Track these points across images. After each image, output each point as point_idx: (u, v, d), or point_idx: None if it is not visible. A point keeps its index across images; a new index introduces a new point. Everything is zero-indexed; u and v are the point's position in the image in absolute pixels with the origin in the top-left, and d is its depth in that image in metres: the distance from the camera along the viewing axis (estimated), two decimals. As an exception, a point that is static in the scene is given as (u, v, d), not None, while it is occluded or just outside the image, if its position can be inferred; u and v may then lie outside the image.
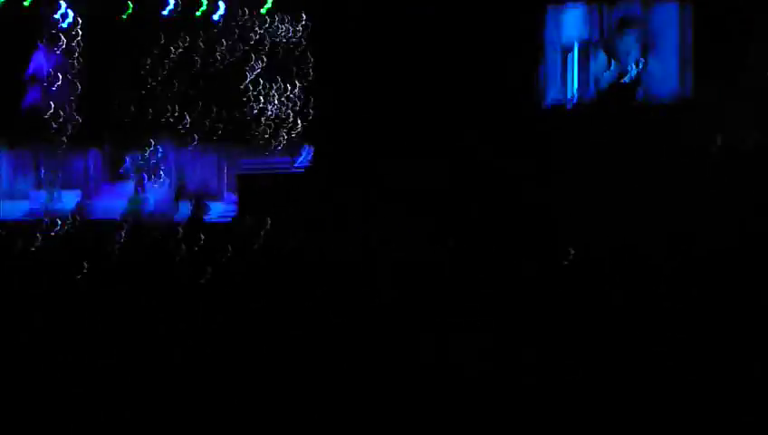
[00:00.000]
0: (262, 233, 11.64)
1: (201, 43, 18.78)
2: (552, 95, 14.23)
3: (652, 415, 5.36)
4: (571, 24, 14.26)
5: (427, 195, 13.37)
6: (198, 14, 18.03)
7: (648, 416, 5.37)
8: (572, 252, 8.67)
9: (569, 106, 14.21)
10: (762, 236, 10.79)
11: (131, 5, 18.10)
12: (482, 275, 8.45)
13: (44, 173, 17.31)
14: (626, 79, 14.13)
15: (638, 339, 6.20)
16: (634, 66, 14.08)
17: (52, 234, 11.66)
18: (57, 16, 18.74)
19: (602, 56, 14.16)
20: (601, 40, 14.14)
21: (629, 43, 14.08)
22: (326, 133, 15.55)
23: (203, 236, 10.18)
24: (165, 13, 17.74)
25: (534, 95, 14.16)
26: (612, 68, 14.12)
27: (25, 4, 17.44)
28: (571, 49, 14.26)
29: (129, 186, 16.95)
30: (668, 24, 14.01)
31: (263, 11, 17.47)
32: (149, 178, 17.73)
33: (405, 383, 5.54)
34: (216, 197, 16.60)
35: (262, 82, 18.63)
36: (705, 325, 6.38)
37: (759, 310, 6.66)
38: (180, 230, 11.31)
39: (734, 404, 5.43)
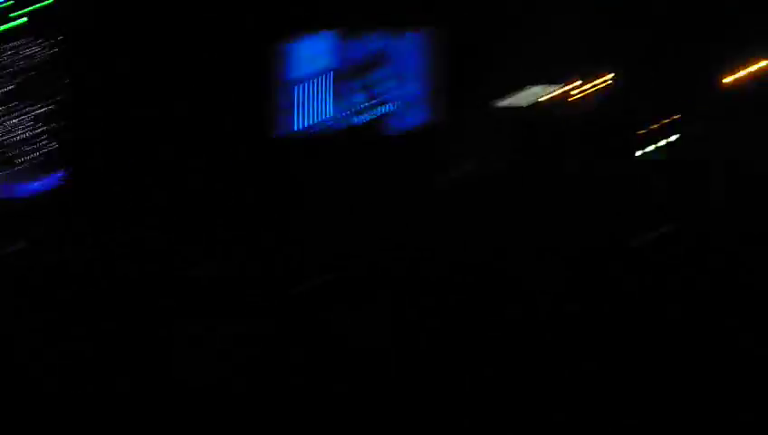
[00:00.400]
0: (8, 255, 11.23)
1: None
2: (295, 124, 14.27)
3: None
4: (317, 53, 14.33)
5: (175, 216, 13.26)
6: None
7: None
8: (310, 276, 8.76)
9: (313, 134, 14.31)
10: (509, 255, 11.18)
11: None
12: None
13: None
14: (374, 107, 14.32)
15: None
16: (381, 94, 14.28)
17: None
18: None
19: (350, 84, 14.29)
20: (349, 68, 14.29)
21: (377, 72, 14.27)
22: (77, 155, 15.15)
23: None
24: None
25: (277, 124, 14.18)
26: (360, 96, 14.28)
27: None
28: (317, 77, 14.35)
29: None
30: (417, 51, 14.26)
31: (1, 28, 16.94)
32: None
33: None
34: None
35: (8, 103, 18.04)
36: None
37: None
38: None
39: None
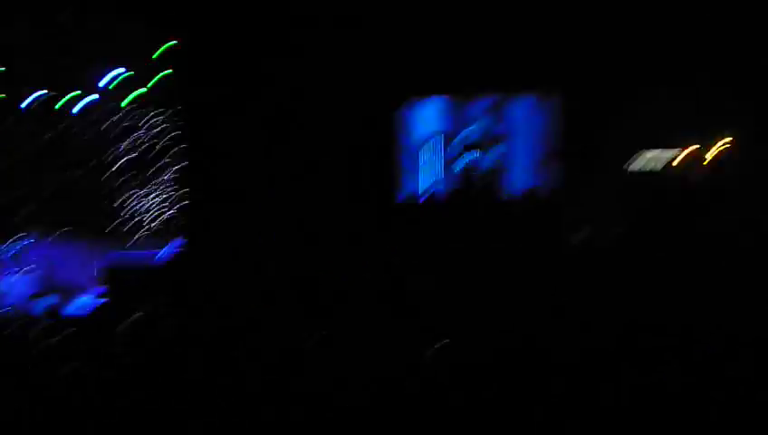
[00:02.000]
0: (129, 325, 11.32)
1: (67, 135, 18.61)
2: (412, 186, 14.31)
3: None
4: (432, 117, 14.38)
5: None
6: (61, 106, 17.95)
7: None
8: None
9: (430, 196, 14.34)
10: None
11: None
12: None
13: None
14: (487, 170, 14.28)
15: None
16: (494, 157, 14.24)
17: None
18: None
19: (464, 148, 14.28)
20: (462, 132, 14.29)
21: (490, 135, 14.25)
22: (194, 223, 15.34)
23: (63, 331, 9.80)
24: (26, 105, 17.53)
25: (395, 186, 14.23)
26: (473, 160, 14.26)
27: None
28: (432, 141, 14.40)
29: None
30: (530, 115, 14.20)
31: (123, 104, 17.41)
32: (11, 270, 17.31)
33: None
34: (83, 289, 16.25)
35: (131, 173, 18.46)
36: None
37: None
38: (40, 325, 10.89)
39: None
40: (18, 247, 17.41)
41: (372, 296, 12.41)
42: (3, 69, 17.13)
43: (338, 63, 14.06)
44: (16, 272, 17.31)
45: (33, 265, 17.08)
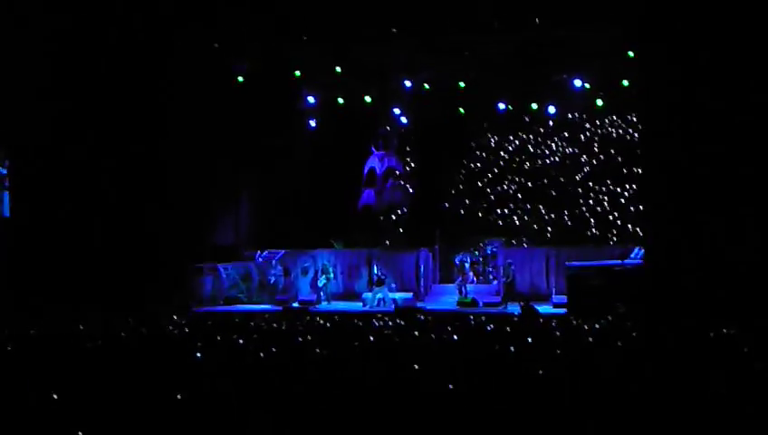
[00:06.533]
0: (593, 332, 11.27)
1: (531, 143, 19.03)
2: None
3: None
4: None
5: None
6: (529, 113, 18.33)
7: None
8: None
9: None
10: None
11: (461, 109, 18.54)
12: None
13: (377, 273, 17.70)
14: None
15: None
16: None
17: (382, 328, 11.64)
18: (389, 121, 19.49)
19: None
20: None
21: None
22: (656, 234, 14.96)
23: (533, 337, 9.87)
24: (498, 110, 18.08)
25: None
26: None
27: (367, 100, 18.14)
28: None
29: (459, 285, 17.04)
30: None
31: (599, 104, 17.47)
32: (478, 279, 17.85)
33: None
34: (544, 297, 16.42)
35: (592, 181, 18.51)
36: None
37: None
38: (510, 328, 11.08)
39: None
40: (482, 256, 17.97)
41: None
42: (462, 84, 17.77)
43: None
44: (480, 280, 17.88)
45: (496, 274, 17.53)
